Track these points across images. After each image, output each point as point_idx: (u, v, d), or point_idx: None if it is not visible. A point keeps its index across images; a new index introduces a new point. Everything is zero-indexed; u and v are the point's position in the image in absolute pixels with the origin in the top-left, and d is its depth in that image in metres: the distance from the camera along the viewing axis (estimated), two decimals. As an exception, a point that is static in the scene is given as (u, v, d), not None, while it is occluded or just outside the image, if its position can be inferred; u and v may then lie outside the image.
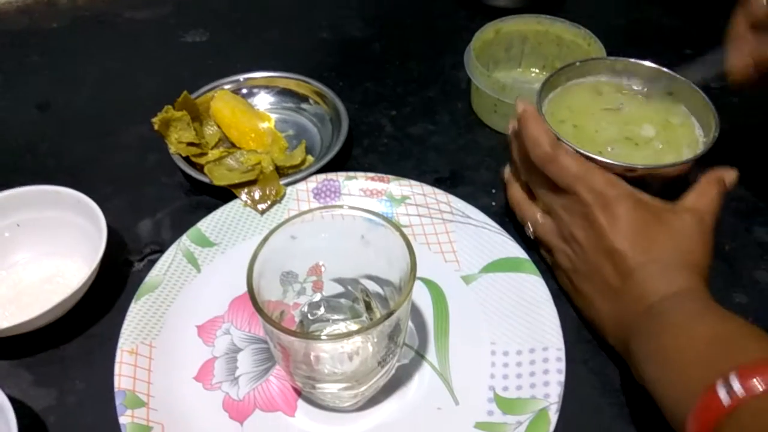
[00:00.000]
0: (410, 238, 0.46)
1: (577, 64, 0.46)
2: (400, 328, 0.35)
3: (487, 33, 0.56)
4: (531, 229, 0.44)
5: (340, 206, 0.39)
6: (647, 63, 0.45)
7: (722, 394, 0.27)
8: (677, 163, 0.41)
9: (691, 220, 0.38)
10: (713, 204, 0.39)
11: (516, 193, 0.46)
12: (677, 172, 0.41)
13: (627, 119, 0.45)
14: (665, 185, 0.41)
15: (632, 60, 0.45)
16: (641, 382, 0.34)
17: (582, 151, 0.40)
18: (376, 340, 0.35)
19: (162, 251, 0.45)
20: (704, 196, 0.39)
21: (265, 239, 0.35)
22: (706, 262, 0.38)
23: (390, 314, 0.32)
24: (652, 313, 0.35)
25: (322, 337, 0.32)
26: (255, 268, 0.34)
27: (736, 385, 0.27)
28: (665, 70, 0.45)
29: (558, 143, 0.40)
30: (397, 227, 0.36)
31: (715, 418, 0.27)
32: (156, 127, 0.50)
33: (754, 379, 0.27)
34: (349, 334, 0.31)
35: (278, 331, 0.32)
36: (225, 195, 0.49)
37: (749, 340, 0.31)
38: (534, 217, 0.44)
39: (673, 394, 0.31)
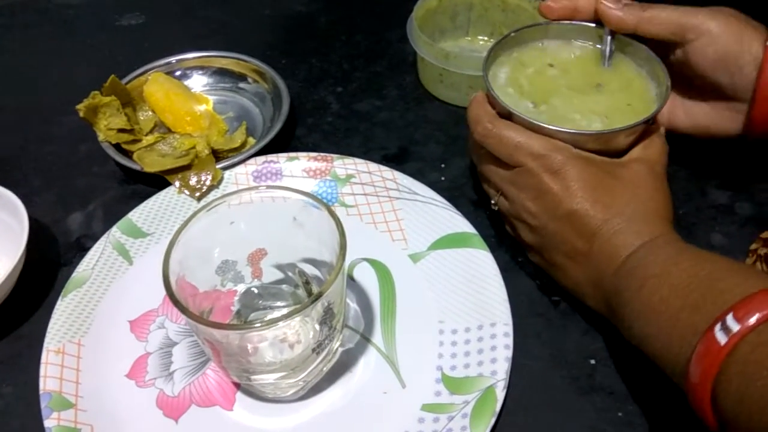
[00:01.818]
0: (356, 218, 0.45)
1: (523, 29, 0.44)
2: (333, 311, 0.33)
3: (429, 1, 0.54)
4: (496, 208, 0.42)
5: (258, 188, 0.36)
6: (591, 24, 0.43)
7: (720, 336, 0.27)
8: (637, 123, 0.38)
9: (642, 170, 0.37)
10: (661, 153, 0.38)
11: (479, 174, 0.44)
12: (638, 132, 0.39)
13: (582, 79, 0.42)
14: (631, 145, 0.39)
15: (576, 22, 0.43)
16: (631, 340, 0.33)
17: (537, 122, 0.37)
18: (314, 324, 0.33)
19: (94, 245, 0.43)
20: (650, 146, 0.38)
21: (184, 226, 0.33)
22: (668, 209, 0.36)
23: (318, 297, 0.30)
24: (627, 269, 0.33)
25: (255, 325, 0.31)
26: (173, 257, 0.31)
27: (732, 324, 0.26)
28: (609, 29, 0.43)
29: (497, 119, 0.38)
30: (326, 205, 0.34)
31: (717, 362, 0.26)
32: (82, 114, 0.47)
33: (748, 315, 0.26)
34: (275, 320, 0.29)
35: (199, 324, 0.30)
36: (161, 183, 0.47)
37: (731, 277, 0.29)
38: (492, 197, 0.42)
39: (666, 347, 0.30)
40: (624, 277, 0.33)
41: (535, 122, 0.37)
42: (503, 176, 0.39)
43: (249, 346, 0.33)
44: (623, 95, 0.41)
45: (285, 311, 0.38)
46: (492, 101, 0.40)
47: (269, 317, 0.38)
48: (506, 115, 0.39)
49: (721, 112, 0.42)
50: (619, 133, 0.38)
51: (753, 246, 0.42)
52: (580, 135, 0.37)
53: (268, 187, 0.36)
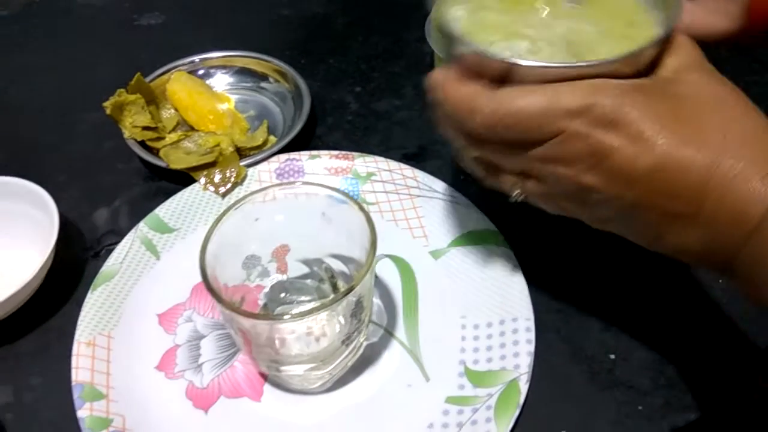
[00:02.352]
0: (377, 215, 0.46)
1: None
2: (362, 305, 0.34)
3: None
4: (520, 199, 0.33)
5: (293, 183, 0.37)
6: None
7: None
8: (668, 30, 0.29)
9: (702, 78, 0.28)
10: (696, 50, 0.30)
11: (478, 173, 0.34)
12: (655, 53, 0.29)
13: (573, 16, 0.33)
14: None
15: None
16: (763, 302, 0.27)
17: (558, 65, 0.28)
18: (338, 318, 0.34)
19: (120, 240, 0.44)
20: (681, 48, 0.29)
21: (218, 220, 0.34)
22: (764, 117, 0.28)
23: (350, 290, 0.31)
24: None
25: (285, 317, 0.31)
26: (208, 250, 0.32)
27: None
28: None
29: (497, 93, 0.28)
30: (356, 202, 0.35)
31: None
32: (108, 111, 0.48)
33: None
34: (308, 312, 0.30)
35: (235, 314, 0.31)
36: (185, 180, 0.47)
37: None
38: (510, 189, 0.32)
39: None
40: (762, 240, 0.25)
41: (554, 66, 0.27)
42: (531, 157, 0.29)
43: (277, 338, 0.34)
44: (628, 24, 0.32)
45: (310, 305, 0.39)
46: (477, 65, 0.29)
47: (295, 311, 0.39)
48: (500, 78, 0.28)
49: (713, 6, 0.33)
50: (650, 49, 0.29)
51: None
52: (610, 62, 0.27)
53: (304, 183, 0.36)
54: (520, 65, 0.27)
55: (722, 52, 0.31)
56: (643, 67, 0.29)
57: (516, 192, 0.32)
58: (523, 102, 0.27)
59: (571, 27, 0.32)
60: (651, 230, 0.29)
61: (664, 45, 0.29)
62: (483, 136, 0.29)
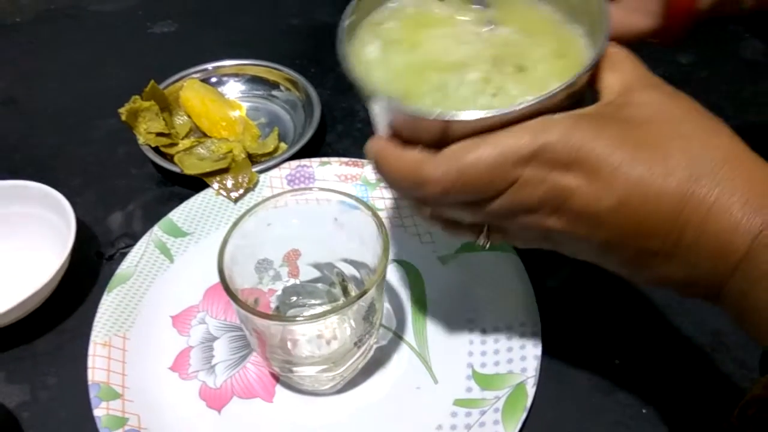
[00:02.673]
0: (386, 221, 0.47)
1: None
2: (375, 307, 0.34)
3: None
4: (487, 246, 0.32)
5: (310, 189, 0.38)
6: None
7: None
8: (601, 48, 0.27)
9: (654, 96, 0.26)
10: (639, 65, 0.27)
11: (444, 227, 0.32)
12: (579, 88, 0.27)
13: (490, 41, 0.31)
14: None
15: None
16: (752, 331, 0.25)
17: (496, 113, 0.25)
18: (351, 320, 0.35)
19: (134, 243, 0.45)
20: (622, 64, 0.27)
21: (235, 224, 0.34)
22: (730, 132, 0.26)
23: (364, 293, 0.32)
24: (763, 268, 0.23)
25: (297, 319, 0.32)
26: (226, 253, 0.33)
27: None
28: None
29: (443, 158, 0.26)
30: (369, 207, 0.35)
31: None
32: (124, 117, 0.49)
33: None
34: (322, 314, 0.31)
35: (252, 315, 0.31)
36: (197, 185, 0.48)
37: None
38: (475, 239, 0.31)
39: None
40: (762, 279, 0.23)
41: (493, 114, 0.25)
42: (490, 212, 0.27)
43: (290, 339, 0.35)
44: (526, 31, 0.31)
45: (321, 309, 0.40)
46: (412, 128, 0.27)
47: (306, 314, 0.40)
48: (440, 135, 0.26)
49: (633, 5, 0.32)
50: (586, 73, 0.27)
51: None
52: (550, 97, 0.25)
53: (320, 189, 0.37)
54: (458, 120, 0.25)
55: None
56: (581, 91, 0.28)
57: (483, 241, 0.31)
58: (470, 159, 0.25)
59: (498, 53, 0.30)
60: (629, 266, 0.27)
61: (600, 62, 0.27)
62: (437, 202, 0.28)
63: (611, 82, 0.27)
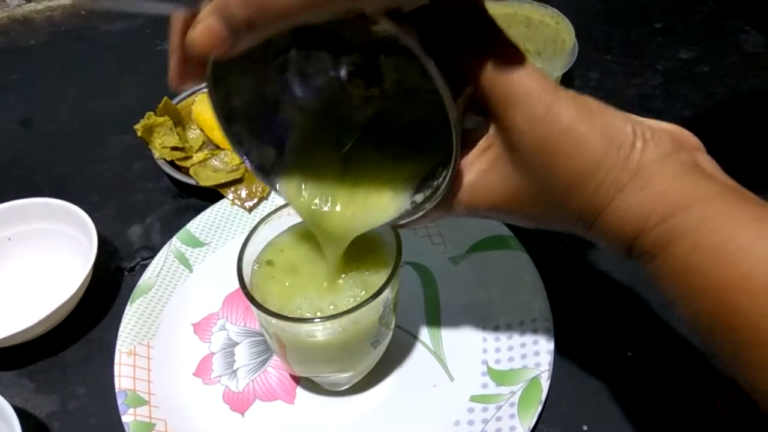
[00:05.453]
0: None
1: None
2: (390, 308, 0.35)
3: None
4: None
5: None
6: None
7: None
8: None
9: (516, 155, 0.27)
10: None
11: None
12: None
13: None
14: None
15: None
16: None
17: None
18: (366, 321, 0.36)
19: (153, 255, 0.46)
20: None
21: (252, 232, 0.36)
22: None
23: (379, 293, 0.33)
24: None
25: (315, 320, 0.33)
26: (244, 261, 0.34)
27: None
28: None
29: None
30: (380, 210, 0.36)
31: None
32: (139, 133, 0.51)
33: None
34: (339, 315, 0.32)
35: (271, 317, 0.32)
36: (212, 196, 0.50)
37: None
38: None
39: None
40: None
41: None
42: None
43: (309, 340, 0.36)
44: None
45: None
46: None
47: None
48: None
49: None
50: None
51: None
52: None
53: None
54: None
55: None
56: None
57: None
58: None
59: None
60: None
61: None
62: None
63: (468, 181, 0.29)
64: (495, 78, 0.26)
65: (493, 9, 0.32)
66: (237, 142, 0.31)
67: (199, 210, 0.49)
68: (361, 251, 0.35)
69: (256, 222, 0.40)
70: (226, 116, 0.29)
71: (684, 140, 0.27)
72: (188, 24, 0.23)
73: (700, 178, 0.25)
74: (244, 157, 0.31)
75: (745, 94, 0.57)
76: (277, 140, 0.32)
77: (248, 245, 0.35)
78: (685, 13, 0.67)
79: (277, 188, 0.32)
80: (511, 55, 0.26)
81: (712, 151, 0.27)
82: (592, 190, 0.26)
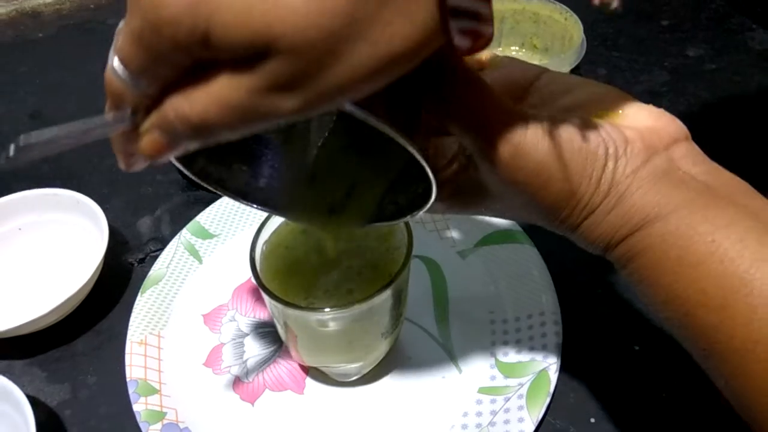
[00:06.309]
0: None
1: None
2: (400, 300, 0.36)
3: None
4: None
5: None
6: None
7: None
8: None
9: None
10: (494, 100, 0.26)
11: None
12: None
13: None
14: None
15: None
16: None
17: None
18: (377, 312, 0.36)
19: (163, 247, 0.47)
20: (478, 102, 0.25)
21: (263, 224, 0.36)
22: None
23: (389, 283, 0.33)
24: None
25: (326, 309, 0.34)
26: (256, 251, 0.35)
27: None
28: None
29: None
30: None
31: None
32: (149, 126, 0.51)
33: None
34: (350, 305, 0.32)
35: (282, 306, 0.33)
36: (221, 188, 0.50)
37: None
38: None
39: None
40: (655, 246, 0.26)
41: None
42: None
43: (320, 330, 0.36)
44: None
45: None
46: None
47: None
48: None
49: None
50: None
51: None
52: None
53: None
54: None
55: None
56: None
57: None
58: None
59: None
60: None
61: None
62: None
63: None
64: (460, 119, 0.25)
65: (502, 5, 0.31)
66: (204, 177, 0.29)
67: (208, 203, 0.49)
68: (371, 242, 0.36)
69: (264, 214, 0.41)
70: (184, 161, 0.28)
71: (662, 135, 0.26)
72: (126, 136, 0.23)
73: (669, 188, 0.25)
74: (219, 189, 0.30)
75: (752, 92, 0.57)
76: (245, 155, 0.31)
77: (260, 235, 0.36)
78: (692, 10, 0.68)
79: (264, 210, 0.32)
80: (477, 94, 0.25)
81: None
82: (566, 215, 0.27)
